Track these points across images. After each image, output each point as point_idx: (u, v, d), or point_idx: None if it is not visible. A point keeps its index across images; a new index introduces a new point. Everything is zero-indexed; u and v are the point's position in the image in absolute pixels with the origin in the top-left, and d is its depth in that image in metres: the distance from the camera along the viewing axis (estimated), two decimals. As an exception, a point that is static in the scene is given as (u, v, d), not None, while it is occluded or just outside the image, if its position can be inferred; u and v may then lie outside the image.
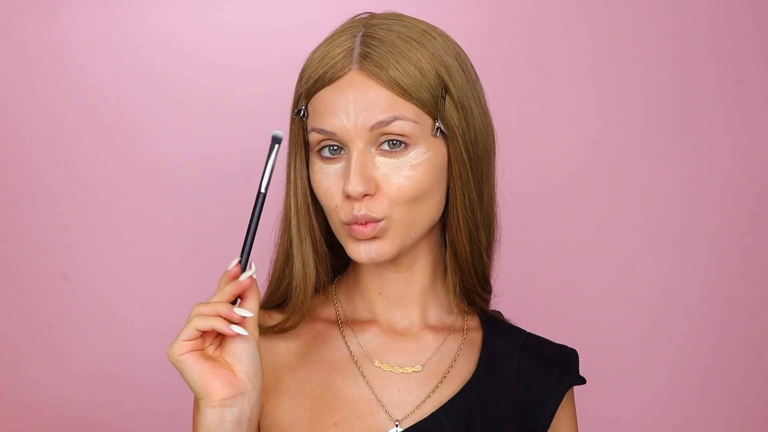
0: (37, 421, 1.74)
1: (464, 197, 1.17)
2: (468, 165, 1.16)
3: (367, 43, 1.12)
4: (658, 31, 1.84)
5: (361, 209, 1.12)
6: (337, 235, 1.17)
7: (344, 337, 1.22)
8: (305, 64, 1.16)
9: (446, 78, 1.14)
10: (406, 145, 1.12)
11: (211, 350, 1.08)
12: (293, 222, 1.19)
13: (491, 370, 1.23)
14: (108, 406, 1.75)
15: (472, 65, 1.19)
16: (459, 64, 1.16)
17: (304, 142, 1.18)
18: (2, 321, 1.74)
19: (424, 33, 1.15)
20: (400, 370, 1.20)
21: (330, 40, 1.15)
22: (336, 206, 1.13)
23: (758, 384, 1.91)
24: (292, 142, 1.19)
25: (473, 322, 1.26)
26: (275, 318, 1.22)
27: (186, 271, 1.74)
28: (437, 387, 1.20)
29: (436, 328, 1.23)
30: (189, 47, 1.73)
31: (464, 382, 1.21)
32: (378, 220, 1.12)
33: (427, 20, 1.18)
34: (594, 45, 1.84)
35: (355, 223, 1.13)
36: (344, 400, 1.18)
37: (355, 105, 1.11)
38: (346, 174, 1.12)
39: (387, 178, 1.12)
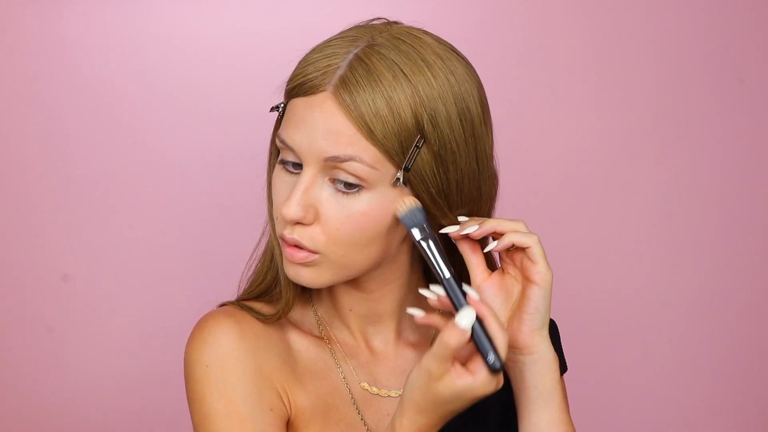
0: (37, 422, 1.74)
1: None
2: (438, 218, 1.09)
3: (354, 67, 1.04)
4: (658, 30, 1.84)
5: (292, 233, 1.07)
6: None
7: (333, 354, 1.19)
8: (300, 61, 1.10)
9: (427, 126, 1.04)
10: (361, 188, 1.05)
11: None
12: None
13: None
14: (107, 406, 1.75)
15: (480, 107, 1.09)
16: (457, 109, 1.06)
17: None
18: (2, 321, 1.73)
19: (426, 66, 1.06)
20: (386, 394, 1.17)
21: (327, 45, 1.08)
22: (276, 217, 1.10)
23: (759, 384, 1.91)
24: (274, 136, 1.15)
25: None
26: (256, 307, 1.17)
27: (186, 271, 1.74)
28: None
29: (414, 344, 1.20)
30: (189, 47, 1.72)
31: None
32: (311, 251, 1.07)
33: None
34: (594, 45, 1.83)
35: (285, 242, 1.09)
36: (345, 422, 1.15)
37: (318, 130, 1.05)
38: (290, 193, 1.07)
39: (329, 214, 1.06)
